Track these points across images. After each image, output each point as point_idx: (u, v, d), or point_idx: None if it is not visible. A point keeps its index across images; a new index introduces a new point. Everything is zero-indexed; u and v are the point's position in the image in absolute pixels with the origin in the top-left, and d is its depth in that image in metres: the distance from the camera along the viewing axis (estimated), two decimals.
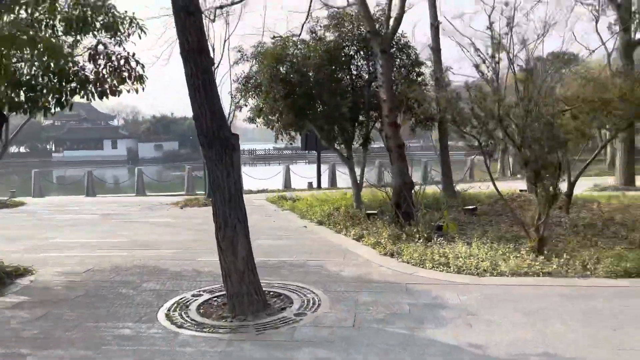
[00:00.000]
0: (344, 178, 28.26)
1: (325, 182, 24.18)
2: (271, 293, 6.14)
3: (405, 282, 6.54)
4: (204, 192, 21.94)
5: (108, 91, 8.30)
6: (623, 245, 7.73)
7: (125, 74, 8.59)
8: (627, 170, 15.12)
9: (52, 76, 7.47)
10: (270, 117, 11.57)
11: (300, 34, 12.28)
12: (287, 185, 23.66)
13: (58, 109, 7.96)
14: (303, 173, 25.96)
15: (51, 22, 7.44)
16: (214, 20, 14.52)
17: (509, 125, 7.30)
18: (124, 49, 8.57)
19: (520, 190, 13.36)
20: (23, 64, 7.35)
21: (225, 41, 15.10)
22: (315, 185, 23.66)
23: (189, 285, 6.73)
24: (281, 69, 10.87)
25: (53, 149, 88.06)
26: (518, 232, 8.88)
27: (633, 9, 12.77)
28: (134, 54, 8.42)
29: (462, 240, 8.39)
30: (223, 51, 15.53)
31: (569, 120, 8.01)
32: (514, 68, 10.66)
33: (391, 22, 10.52)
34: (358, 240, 9.15)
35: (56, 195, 24.53)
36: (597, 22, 15.88)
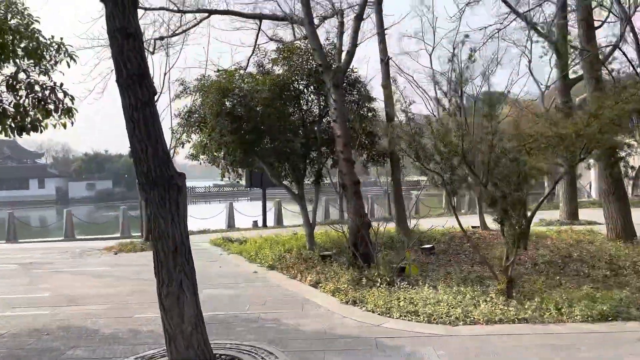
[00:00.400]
0: (290, 216, 27.63)
1: (270, 220, 23.34)
2: (222, 357, 5.28)
3: (374, 336, 5.88)
4: (140, 235, 20.51)
5: (29, 126, 7.28)
6: (589, 285, 7.52)
7: (51, 106, 7.62)
8: (570, 204, 15.46)
9: None
10: (215, 153, 10.79)
11: (246, 67, 11.75)
12: (230, 224, 22.61)
13: None
14: (247, 211, 25.00)
15: None
16: (153, 52, 13.69)
17: (473, 161, 6.98)
18: (50, 78, 7.64)
19: (473, 227, 13.21)
20: None
21: (165, 74, 14.27)
22: (260, 224, 22.76)
23: (125, 350, 5.72)
24: (227, 103, 10.18)
25: None
26: (481, 273, 8.52)
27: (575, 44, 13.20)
28: (61, 84, 7.49)
29: (427, 283, 7.88)
30: (163, 84, 14.62)
31: (528, 157, 7.84)
32: (462, 106, 10.57)
33: (343, 55, 10.21)
34: (315, 287, 8.42)
35: None
36: (530, 62, 16.38)
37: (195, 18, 13.52)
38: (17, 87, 7.05)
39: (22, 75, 7.14)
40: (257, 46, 12.27)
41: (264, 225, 22.69)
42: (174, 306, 4.70)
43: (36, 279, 10.32)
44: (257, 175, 23.52)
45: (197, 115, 10.92)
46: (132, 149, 4.69)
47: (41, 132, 7.64)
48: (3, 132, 7.11)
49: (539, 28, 13.89)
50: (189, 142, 11.73)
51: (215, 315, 6.86)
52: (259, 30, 13.20)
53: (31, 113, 7.48)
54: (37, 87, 7.16)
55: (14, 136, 7.22)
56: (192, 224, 22.75)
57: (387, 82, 12.37)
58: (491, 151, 6.92)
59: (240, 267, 10.79)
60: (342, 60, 10.16)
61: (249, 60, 12.29)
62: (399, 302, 6.95)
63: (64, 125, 8.03)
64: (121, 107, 4.74)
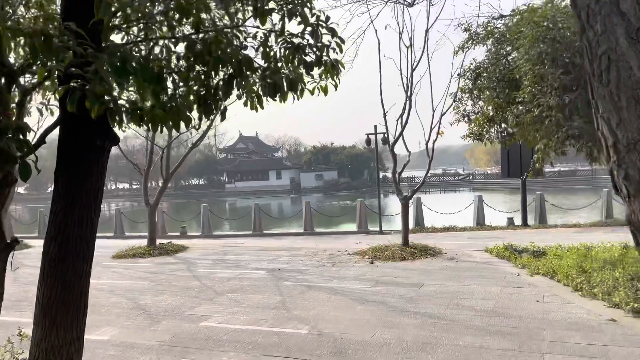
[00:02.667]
0: (554, 211, 22.11)
1: (531, 219, 18.50)
2: None
3: None
4: (378, 229, 18.08)
5: (285, 85, 4.72)
6: None
7: (312, 56, 4.94)
8: None
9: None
10: (533, 126, 7.00)
11: None
12: (480, 221, 18.52)
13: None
14: (496, 205, 20.45)
15: None
16: (412, 4, 10.54)
17: None
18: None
19: None
20: None
21: (426, 31, 10.97)
22: (519, 221, 18.15)
23: None
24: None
25: (226, 180, 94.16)
26: None
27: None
28: (327, 19, 4.71)
29: None
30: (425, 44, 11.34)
31: None
32: None
33: None
34: None
35: (225, 233, 22.63)
36: None
37: None
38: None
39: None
40: None
41: (524, 224, 18.05)
42: None
43: (287, 297, 8.10)
44: (516, 160, 18.99)
45: (492, 72, 7.28)
46: None
47: (299, 96, 5.02)
48: (254, 97, 4.66)
49: None
50: (469, 117, 8.21)
51: None
52: None
53: (285, 70, 4.90)
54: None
55: (267, 99, 4.66)
56: (435, 219, 19.56)
57: None
58: None
59: (572, 306, 6.79)
60: None
61: None
62: None
63: (325, 91, 5.33)
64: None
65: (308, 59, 4.96)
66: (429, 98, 11.34)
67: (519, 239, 13.69)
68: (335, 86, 5.43)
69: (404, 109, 11.36)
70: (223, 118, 4.44)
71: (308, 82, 5.41)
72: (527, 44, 6.48)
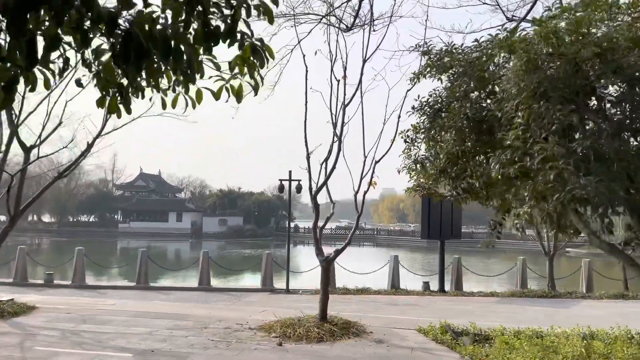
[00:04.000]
0: (472, 279, 21.07)
1: (447, 284, 17.12)
2: None
3: None
4: (285, 287, 15.58)
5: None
6: None
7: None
8: None
9: None
10: (521, 183, 5.20)
11: None
12: (394, 284, 16.80)
13: None
14: (404, 263, 18.81)
15: None
16: (349, 29, 8.79)
17: None
18: None
19: None
20: None
21: (364, 61, 9.18)
22: (435, 287, 16.65)
23: None
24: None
25: (120, 220, 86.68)
26: None
27: None
28: None
29: None
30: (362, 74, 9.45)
31: None
32: None
33: None
34: None
35: (101, 283, 18.83)
36: None
37: None
38: None
39: None
40: None
41: (442, 290, 16.60)
42: None
43: None
44: (436, 222, 17.76)
45: (461, 108, 5.51)
46: None
47: (196, 101, 2.86)
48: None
49: None
50: (420, 166, 6.35)
51: None
52: None
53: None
54: None
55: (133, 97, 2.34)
56: (346, 279, 17.51)
57: None
58: None
59: None
60: None
61: None
62: None
63: (238, 95, 3.24)
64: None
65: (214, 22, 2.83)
66: (360, 141, 9.51)
67: (442, 310, 12.06)
68: (255, 89, 3.25)
69: (329, 152, 9.44)
70: None
71: (210, 77, 3.24)
72: (519, 69, 4.75)
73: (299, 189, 16.26)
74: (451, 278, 16.84)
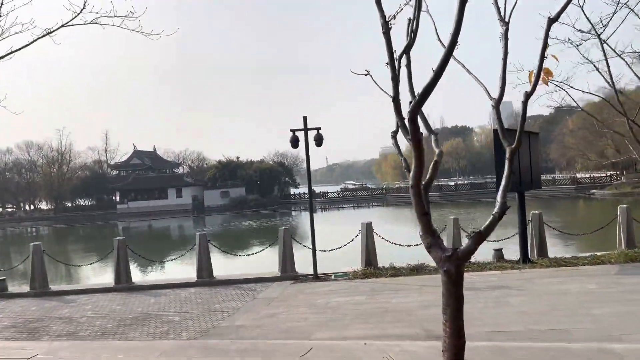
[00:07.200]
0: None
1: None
2: None
3: None
4: (312, 273, 11.34)
5: None
6: None
7: None
8: None
9: None
10: None
11: None
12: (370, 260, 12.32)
13: None
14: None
15: None
16: None
17: None
18: None
19: None
20: None
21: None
22: (509, 255, 12.22)
23: None
24: None
25: (118, 200, 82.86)
26: None
27: None
28: None
29: None
30: None
31: None
32: None
33: None
34: None
35: (70, 287, 14.83)
36: None
37: None
38: None
39: None
40: None
41: (525, 261, 11.62)
42: None
43: None
44: (514, 170, 13.47)
45: None
46: None
47: None
48: None
49: None
50: None
51: None
52: None
53: None
54: None
55: None
56: (386, 251, 12.85)
57: None
58: None
59: None
60: None
61: None
62: None
63: None
64: None
65: None
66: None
67: (554, 295, 7.88)
68: None
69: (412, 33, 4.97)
70: None
71: None
72: None
73: (318, 140, 11.96)
74: (531, 241, 12.43)
